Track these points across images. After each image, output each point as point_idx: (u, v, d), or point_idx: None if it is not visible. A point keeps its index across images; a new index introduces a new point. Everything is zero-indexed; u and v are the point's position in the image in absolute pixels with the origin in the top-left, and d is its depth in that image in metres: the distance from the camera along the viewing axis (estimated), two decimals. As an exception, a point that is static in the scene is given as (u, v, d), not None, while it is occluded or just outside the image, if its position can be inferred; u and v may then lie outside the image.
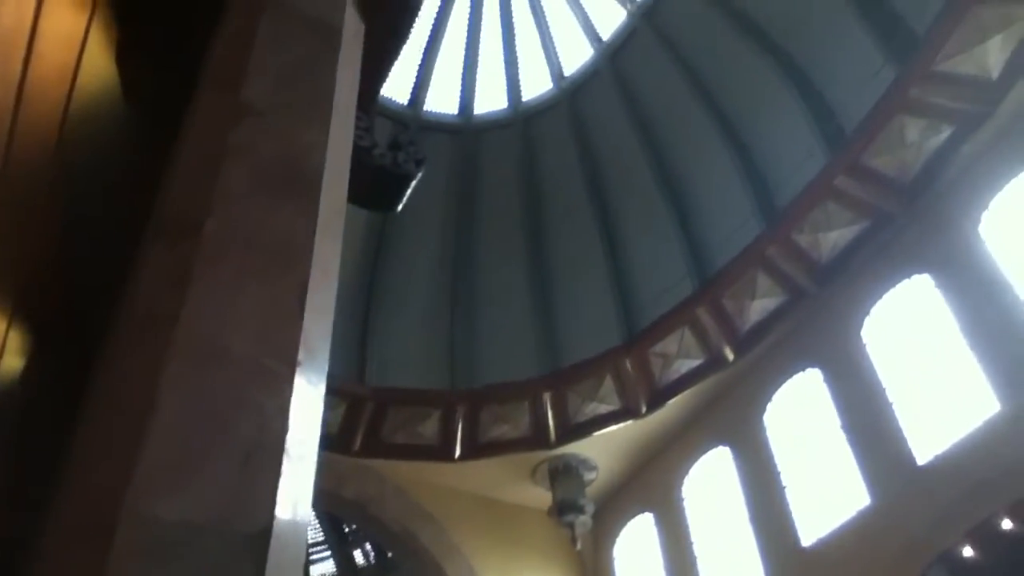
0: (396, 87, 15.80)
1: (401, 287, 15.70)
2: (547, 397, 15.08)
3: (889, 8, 12.19)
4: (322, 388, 3.25)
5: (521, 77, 16.09)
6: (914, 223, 12.62)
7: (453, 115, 16.13)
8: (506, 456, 15.27)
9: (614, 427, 15.19)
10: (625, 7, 15.26)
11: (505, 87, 16.05)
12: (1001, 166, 11.89)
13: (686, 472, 15.50)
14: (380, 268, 15.72)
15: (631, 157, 15.58)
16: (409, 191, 6.62)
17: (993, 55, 11.02)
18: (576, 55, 15.93)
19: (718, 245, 14.45)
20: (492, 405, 15.07)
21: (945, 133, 11.82)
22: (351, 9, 4.08)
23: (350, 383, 14.65)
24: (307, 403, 3.05)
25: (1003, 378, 10.70)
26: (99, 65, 4.49)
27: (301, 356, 3.00)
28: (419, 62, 15.51)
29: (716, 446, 15.03)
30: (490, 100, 16.29)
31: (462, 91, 16.04)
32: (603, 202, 16.10)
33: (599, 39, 15.65)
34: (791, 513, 13.06)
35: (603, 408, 15.13)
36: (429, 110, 15.93)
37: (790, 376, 14.35)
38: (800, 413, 13.88)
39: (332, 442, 14.08)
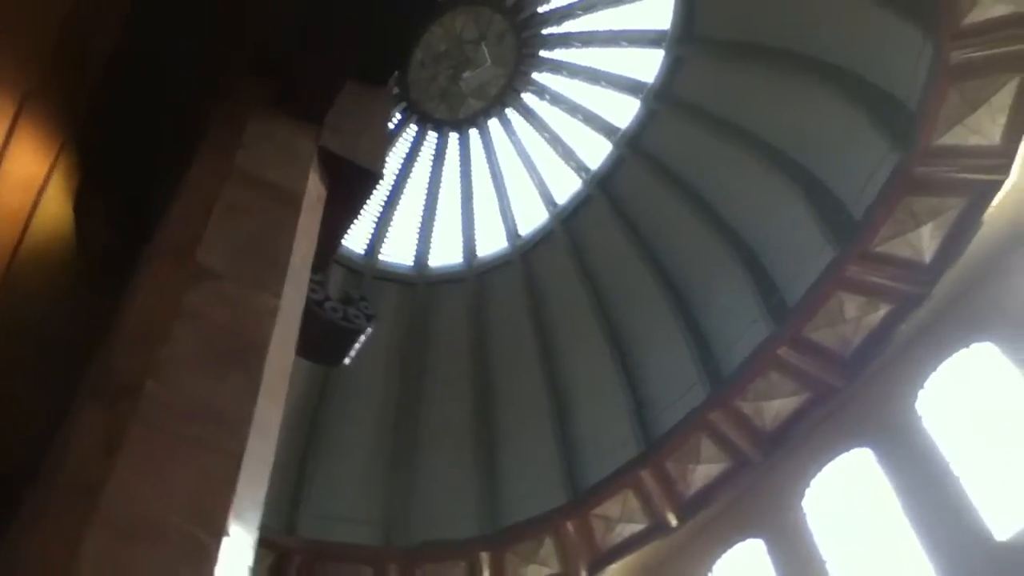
0: (354, 237, 16.04)
1: (342, 438, 15.36)
2: (485, 558, 14.55)
3: (831, 193, 12.88)
4: (251, 555, 3.12)
5: (477, 234, 16.48)
6: (855, 396, 12.88)
7: (408, 266, 16.33)
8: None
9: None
10: (580, 176, 15.90)
11: (461, 243, 16.42)
12: (937, 346, 12.33)
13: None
14: (321, 416, 15.43)
15: (581, 317, 15.82)
16: (358, 345, 6.61)
17: (926, 240, 11.63)
18: (532, 216, 16.46)
19: (664, 408, 14.51)
20: (427, 564, 14.48)
21: (883, 311, 12.29)
22: (314, 176, 4.18)
23: (279, 535, 14.02)
24: (233, 573, 2.92)
25: (944, 560, 10.71)
26: (55, 211, 4.49)
27: (232, 527, 2.90)
28: (378, 214, 15.82)
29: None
30: (445, 254, 16.60)
31: (418, 244, 16.37)
32: (551, 360, 16.18)
33: (554, 203, 16.21)
34: None
35: (544, 571, 14.63)
36: (385, 260, 16.14)
37: (732, 545, 14.19)
38: (744, 583, 13.62)
39: (254, 598, 13.32)
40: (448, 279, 16.47)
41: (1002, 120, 10.67)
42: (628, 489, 14.27)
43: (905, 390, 12.54)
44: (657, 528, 14.28)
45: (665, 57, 14.37)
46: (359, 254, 15.72)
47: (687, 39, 14.07)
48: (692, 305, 14.90)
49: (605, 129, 15.35)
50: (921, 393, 12.41)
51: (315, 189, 4.17)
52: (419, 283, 16.13)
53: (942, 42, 10.39)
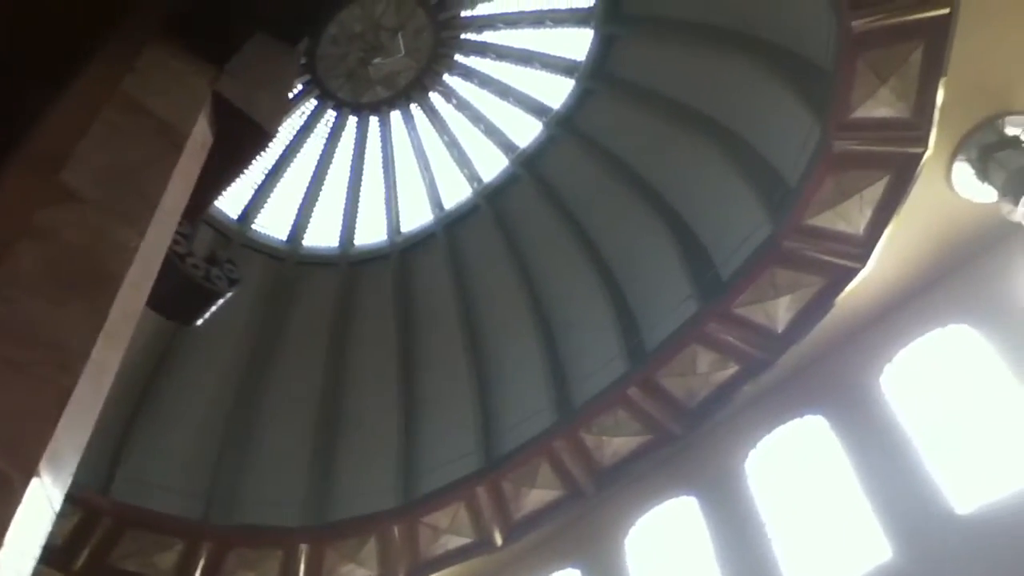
0: (229, 199, 15.53)
1: (178, 403, 14.63)
2: (304, 549, 14.19)
3: (705, 249, 13.36)
4: (58, 502, 2.92)
5: (356, 219, 16.11)
6: (691, 446, 13.43)
7: (281, 240, 15.78)
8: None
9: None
10: (471, 185, 15.89)
11: (340, 225, 16.03)
12: (773, 412, 13.04)
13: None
14: (160, 376, 14.64)
15: (448, 326, 15.73)
16: (214, 308, 6.33)
17: (782, 311, 12.24)
18: (416, 216, 16.29)
19: (511, 428, 14.59)
20: (242, 547, 13.97)
21: (731, 370, 12.83)
22: (203, 120, 3.98)
23: (89, 492, 13.17)
24: (36, 517, 2.72)
25: None
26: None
27: (44, 467, 2.70)
28: (259, 181, 15.28)
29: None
30: (321, 234, 16.15)
31: (295, 220, 15.86)
32: (410, 355, 15.97)
33: (441, 206, 16.11)
34: None
35: (360, 572, 14.40)
36: (258, 230, 15.57)
37: (551, 573, 14.53)
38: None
39: (50, 556, 12.46)
40: (321, 261, 16.06)
41: (868, 213, 11.37)
42: (461, 502, 14.25)
43: (736, 448, 13.27)
44: (482, 545, 14.35)
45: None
46: (231, 218, 15.13)
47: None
48: (556, 332, 15.07)
49: (505, 146, 15.45)
50: (752, 452, 13.13)
51: (202, 134, 3.98)
52: (289, 259, 15.65)
53: (829, 130, 10.99)
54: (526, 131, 15.32)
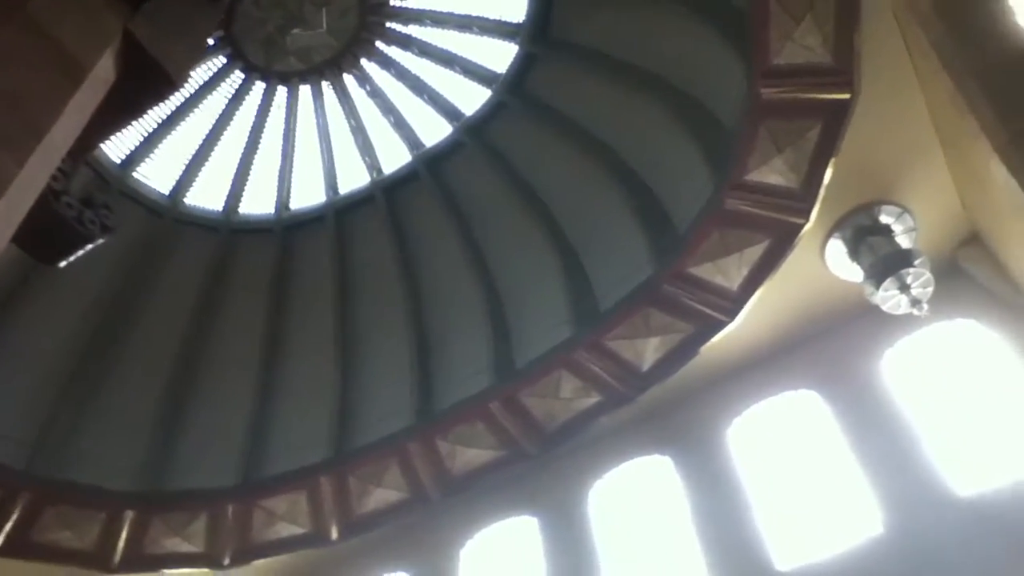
0: (211, 194, 15.45)
1: (21, 342, 13.62)
2: (128, 517, 13.54)
3: (586, 278, 13.59)
4: None
5: (243, 186, 15.49)
6: (541, 468, 13.63)
7: (163, 194, 15.06)
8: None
9: (185, 571, 14.00)
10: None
11: (227, 188, 15.41)
12: (622, 448, 13.53)
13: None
14: (7, 311, 13.59)
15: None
16: (81, 252, 6.01)
17: (650, 351, 12.61)
18: (307, 193, 15.87)
19: (371, 422, 14.33)
20: (64, 506, 13.16)
21: (593, 399, 13.11)
22: (109, 57, 3.78)
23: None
24: None
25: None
26: None
27: None
28: (148, 131, 14.55)
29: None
30: (205, 194, 15.51)
31: (180, 177, 15.17)
32: (278, 327, 15.53)
33: (332, 190, 15.77)
34: None
35: (184, 547, 13.87)
36: (139, 179, 14.80)
37: (381, 574, 14.66)
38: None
39: None
40: (202, 222, 15.39)
41: (745, 271, 11.88)
42: (303, 491, 13.97)
43: (583, 477, 13.61)
44: (316, 538, 14.14)
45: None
46: (114, 163, 14.32)
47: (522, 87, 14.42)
48: (430, 338, 14.97)
49: (410, 142, 15.27)
50: (597, 483, 13.47)
51: (105, 71, 3.77)
52: (168, 215, 14.93)
53: (724, 187, 11.40)
54: (435, 130, 15.22)
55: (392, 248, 15.29)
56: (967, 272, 11.61)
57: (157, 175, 15.09)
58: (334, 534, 14.07)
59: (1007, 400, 10.76)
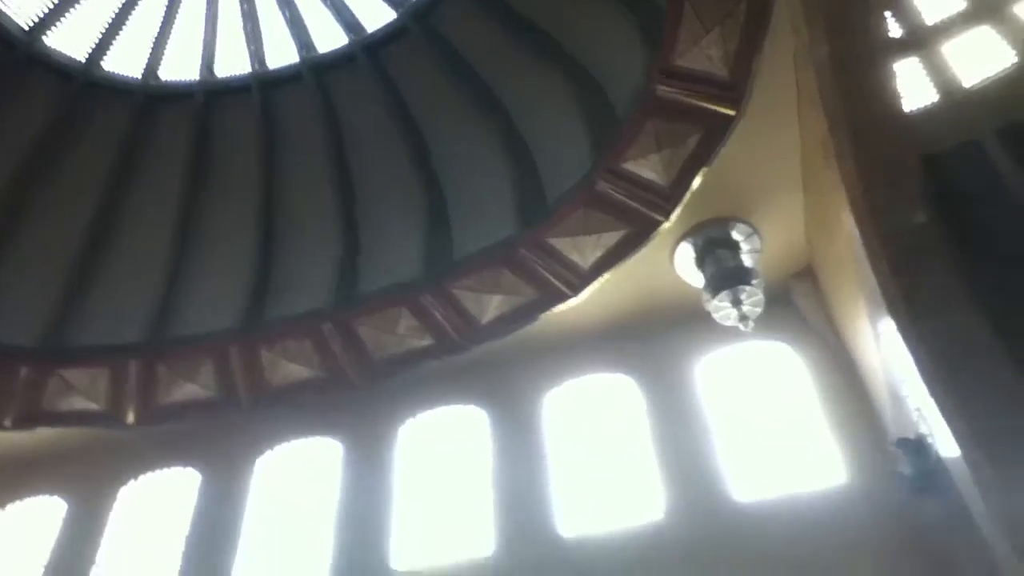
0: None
1: None
2: (24, 374, 13.10)
3: (447, 223, 13.56)
4: None
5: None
6: (359, 401, 13.65)
7: (78, 61, 13.92)
8: None
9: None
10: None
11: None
12: (438, 394, 13.84)
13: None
14: None
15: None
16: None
17: (492, 308, 12.86)
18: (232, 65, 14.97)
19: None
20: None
21: (426, 342, 13.29)
22: None
23: None
24: None
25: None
26: None
27: None
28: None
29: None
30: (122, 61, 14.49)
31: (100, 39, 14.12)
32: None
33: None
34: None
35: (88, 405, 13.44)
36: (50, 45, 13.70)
37: (169, 466, 14.31)
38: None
39: None
40: (117, 86, 14.28)
41: (598, 253, 12.32)
42: (106, 368, 13.37)
43: (397, 413, 13.82)
44: (110, 418, 13.60)
45: None
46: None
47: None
48: (277, 239, 14.54)
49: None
50: (402, 429, 13.71)
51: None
52: (81, 80, 13.84)
53: (598, 169, 11.72)
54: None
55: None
56: (793, 301, 12.57)
57: (71, 41, 14.08)
58: (130, 418, 13.59)
59: (796, 422, 11.81)
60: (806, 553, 10.06)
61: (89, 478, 13.95)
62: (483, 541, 11.82)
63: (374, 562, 11.92)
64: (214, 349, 13.46)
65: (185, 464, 14.21)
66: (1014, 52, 12.69)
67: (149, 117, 14.69)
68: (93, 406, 13.51)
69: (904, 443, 9.67)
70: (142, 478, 14.24)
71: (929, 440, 9.20)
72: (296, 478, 13.87)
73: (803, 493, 10.93)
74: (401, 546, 12.12)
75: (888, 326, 9.29)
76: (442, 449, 13.46)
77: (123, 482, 14.16)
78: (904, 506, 9.85)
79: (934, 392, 8.50)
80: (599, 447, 12.61)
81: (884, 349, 9.93)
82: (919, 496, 9.50)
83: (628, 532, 11.31)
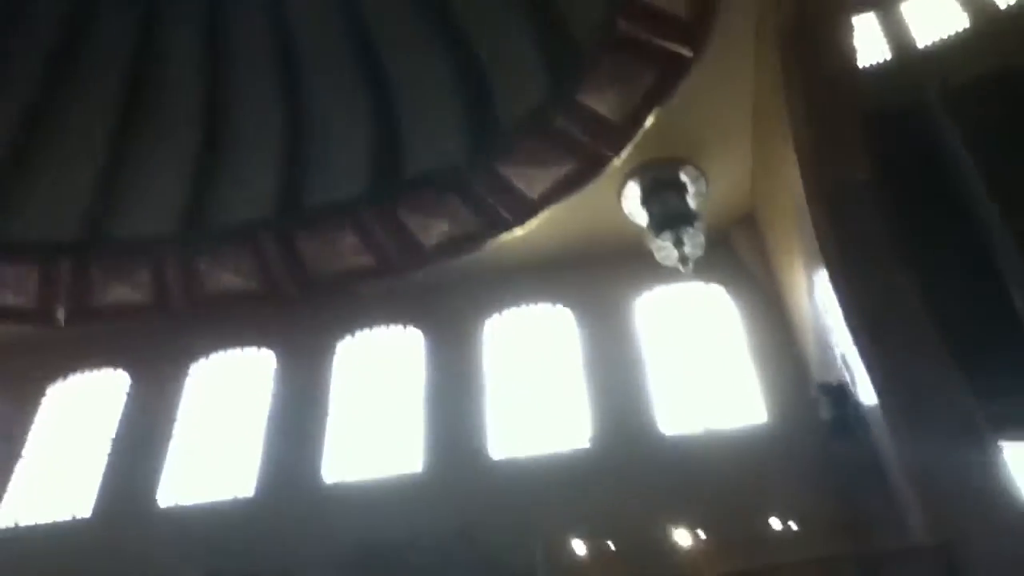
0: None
1: None
2: None
3: (399, 146, 13.28)
4: None
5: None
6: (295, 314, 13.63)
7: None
8: None
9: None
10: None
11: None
12: (375, 314, 13.91)
13: None
14: None
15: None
16: None
17: (436, 233, 12.94)
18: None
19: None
20: None
21: (366, 262, 13.28)
22: None
23: None
24: None
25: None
26: None
27: None
28: None
29: None
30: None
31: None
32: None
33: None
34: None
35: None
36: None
37: (97, 368, 14.21)
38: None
39: None
40: None
41: (547, 185, 12.38)
42: (36, 267, 13.01)
43: (330, 329, 13.89)
44: (41, 316, 13.29)
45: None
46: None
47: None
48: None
49: None
50: (340, 345, 13.82)
51: None
52: None
53: (555, 102, 11.68)
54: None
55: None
56: (733, 246, 12.87)
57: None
58: (60, 317, 13.32)
59: (725, 363, 12.22)
60: (723, 488, 10.50)
61: (16, 375, 13.68)
62: (413, 459, 12.04)
63: (305, 473, 12.05)
64: (151, 252, 13.19)
65: (116, 366, 14.07)
66: (966, 16, 13.03)
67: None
68: (22, 302, 13.17)
69: (826, 388, 10.12)
70: (71, 378, 14.05)
71: (850, 388, 9.64)
72: (229, 387, 13.82)
73: (726, 430, 11.40)
74: (331, 459, 12.26)
75: (821, 276, 9.63)
76: (378, 368, 13.55)
77: (51, 380, 13.97)
78: (820, 448, 10.34)
79: (858, 342, 8.91)
80: (533, 375, 12.84)
81: (816, 298, 10.29)
82: (836, 440, 9.98)
83: (555, 457, 11.63)
